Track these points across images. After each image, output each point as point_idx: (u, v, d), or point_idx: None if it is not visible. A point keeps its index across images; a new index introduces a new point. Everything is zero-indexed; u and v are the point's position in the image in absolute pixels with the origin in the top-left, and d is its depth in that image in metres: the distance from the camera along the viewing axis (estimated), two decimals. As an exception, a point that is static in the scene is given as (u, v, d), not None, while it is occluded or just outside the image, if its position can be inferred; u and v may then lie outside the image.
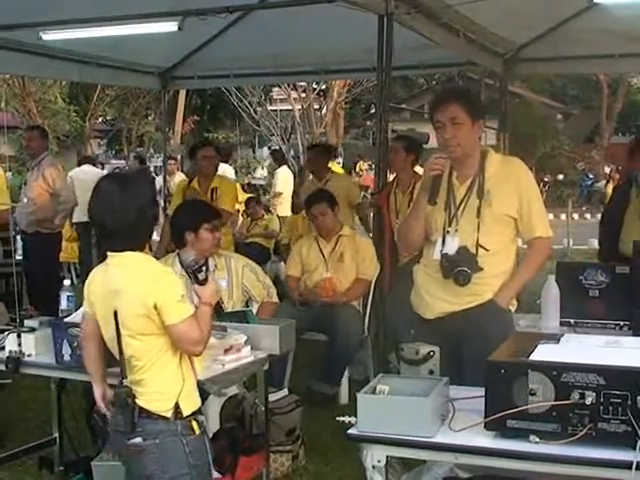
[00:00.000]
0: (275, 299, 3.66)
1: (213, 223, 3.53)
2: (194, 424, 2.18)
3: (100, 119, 20.99)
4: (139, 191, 2.20)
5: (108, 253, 2.20)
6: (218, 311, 2.42)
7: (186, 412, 2.17)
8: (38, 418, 3.28)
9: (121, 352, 2.17)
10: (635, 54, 5.37)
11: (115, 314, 2.14)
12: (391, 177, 4.78)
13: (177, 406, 2.15)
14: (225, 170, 8.04)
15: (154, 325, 2.13)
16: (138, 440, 2.14)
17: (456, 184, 2.69)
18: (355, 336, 4.26)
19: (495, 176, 2.66)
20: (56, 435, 3.04)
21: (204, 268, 2.30)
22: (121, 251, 2.17)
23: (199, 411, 2.24)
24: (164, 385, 2.17)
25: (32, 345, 2.88)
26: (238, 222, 7.49)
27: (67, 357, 2.79)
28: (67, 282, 3.14)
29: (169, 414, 2.15)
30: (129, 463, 2.23)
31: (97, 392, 2.32)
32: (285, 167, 9.73)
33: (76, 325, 2.77)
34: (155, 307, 2.11)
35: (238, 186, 8.12)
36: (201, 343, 2.19)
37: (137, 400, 2.15)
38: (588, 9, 4.96)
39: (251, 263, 3.70)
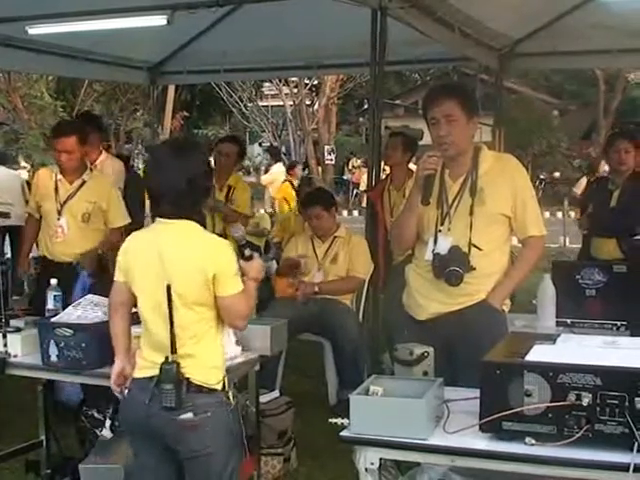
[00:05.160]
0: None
1: None
2: (230, 394, 2.21)
3: (87, 115, 20.74)
4: (191, 159, 2.19)
5: (157, 219, 2.18)
6: None
7: (227, 384, 2.20)
8: (24, 420, 3.23)
9: (172, 323, 2.11)
10: (633, 49, 5.30)
11: (168, 282, 2.11)
12: (384, 175, 4.73)
13: (224, 378, 2.18)
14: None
15: (209, 295, 2.13)
16: (189, 415, 2.11)
17: (449, 182, 2.65)
18: (357, 336, 4.16)
19: (488, 173, 2.62)
20: (43, 438, 3.00)
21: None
22: (170, 218, 2.16)
23: None
24: (215, 357, 2.19)
25: (18, 345, 2.85)
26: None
27: (54, 358, 2.74)
28: (54, 281, 3.07)
29: (219, 386, 2.16)
30: (175, 440, 2.15)
31: (117, 367, 2.27)
32: (280, 164, 9.69)
33: (63, 325, 2.74)
34: (213, 277, 2.12)
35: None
36: (247, 318, 2.24)
37: (186, 375, 2.12)
38: (586, 3, 4.92)
39: None
